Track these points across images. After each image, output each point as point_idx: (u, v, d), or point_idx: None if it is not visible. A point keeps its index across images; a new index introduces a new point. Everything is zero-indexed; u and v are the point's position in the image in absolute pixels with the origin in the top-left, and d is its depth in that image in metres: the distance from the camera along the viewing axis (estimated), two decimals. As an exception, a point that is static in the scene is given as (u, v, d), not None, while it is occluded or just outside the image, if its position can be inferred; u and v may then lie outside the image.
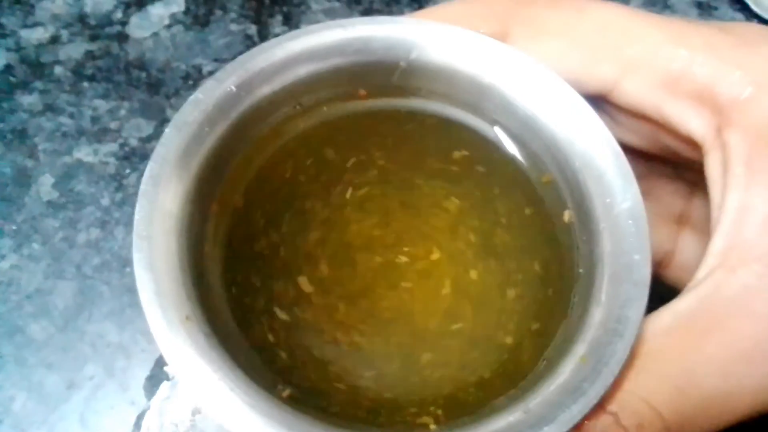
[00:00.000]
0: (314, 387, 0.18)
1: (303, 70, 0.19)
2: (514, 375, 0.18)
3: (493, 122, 0.20)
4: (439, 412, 0.17)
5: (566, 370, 0.16)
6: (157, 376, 0.26)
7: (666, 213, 0.23)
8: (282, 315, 0.18)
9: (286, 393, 0.16)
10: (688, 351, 0.16)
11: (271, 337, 0.18)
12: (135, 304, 0.27)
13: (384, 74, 0.20)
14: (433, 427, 0.17)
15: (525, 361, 0.18)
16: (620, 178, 0.17)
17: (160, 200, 0.16)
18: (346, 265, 0.19)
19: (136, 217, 0.16)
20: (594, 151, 0.18)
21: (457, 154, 0.20)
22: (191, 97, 0.18)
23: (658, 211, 0.23)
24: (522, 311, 0.19)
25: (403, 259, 0.20)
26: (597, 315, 0.16)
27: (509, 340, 0.19)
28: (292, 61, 0.19)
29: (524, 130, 0.19)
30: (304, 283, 0.19)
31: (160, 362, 0.26)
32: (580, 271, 0.18)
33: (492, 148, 0.20)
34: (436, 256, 0.19)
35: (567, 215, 0.19)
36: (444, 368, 0.18)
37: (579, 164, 0.18)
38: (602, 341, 0.16)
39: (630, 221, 0.17)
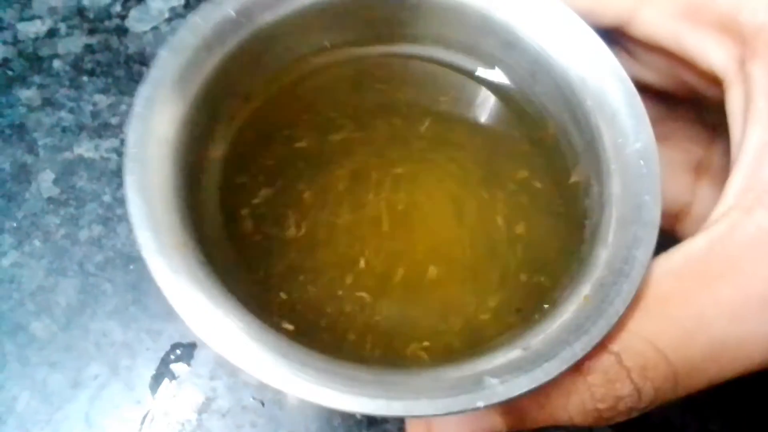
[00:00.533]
0: (312, 322, 0.17)
1: (309, 0, 0.18)
2: (518, 314, 0.17)
3: (500, 65, 0.20)
4: (434, 344, 0.17)
5: (569, 309, 0.16)
6: (162, 374, 0.25)
7: (685, 160, 0.22)
8: (281, 251, 0.18)
9: (282, 325, 0.16)
10: (698, 293, 0.15)
11: (267, 272, 0.18)
12: (139, 301, 0.27)
13: (392, 11, 0.19)
14: (425, 357, 0.17)
15: (530, 300, 0.18)
16: (633, 118, 0.17)
17: (155, 124, 0.16)
18: (343, 203, 0.19)
19: (129, 139, 0.15)
20: (607, 89, 0.17)
21: (457, 105, 0.20)
22: (188, 20, 0.17)
23: (677, 158, 0.21)
24: (529, 251, 0.19)
25: (404, 199, 0.19)
26: (603, 255, 0.16)
27: (517, 278, 0.18)
28: None
29: (535, 69, 0.19)
30: (302, 221, 0.18)
31: (165, 360, 0.26)
32: (590, 213, 0.18)
33: (499, 94, 0.20)
34: (437, 197, 0.19)
35: (575, 173, 0.18)
36: (446, 304, 0.18)
37: (591, 104, 0.17)
38: (607, 281, 0.15)
39: (641, 162, 0.16)
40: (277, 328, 0.16)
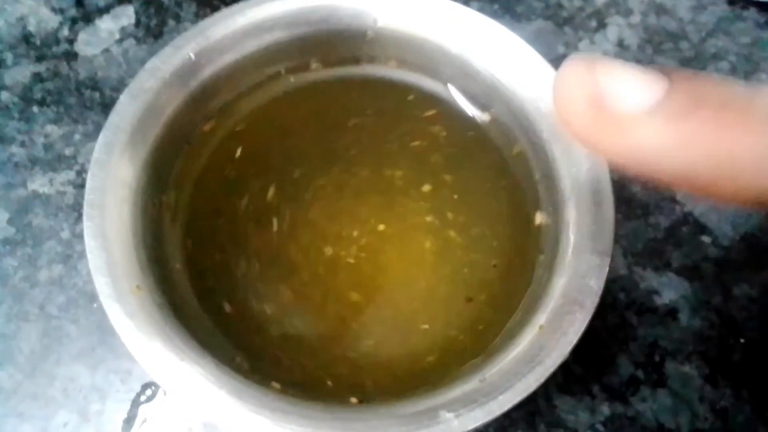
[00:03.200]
0: (269, 358, 0.17)
1: (267, 39, 0.19)
2: (476, 345, 0.18)
3: (460, 89, 0.20)
4: (383, 382, 0.17)
5: (525, 340, 0.16)
6: (134, 417, 0.24)
7: None
8: (238, 286, 0.18)
9: (242, 363, 0.16)
10: None
11: (226, 307, 0.18)
12: (106, 342, 0.26)
13: (350, 43, 0.19)
14: (353, 400, 0.16)
15: (488, 331, 0.18)
16: None
17: (114, 169, 0.16)
18: (305, 234, 0.19)
19: (88, 185, 0.16)
20: None
21: (422, 125, 0.20)
22: (148, 64, 0.17)
23: None
24: (486, 281, 0.19)
25: (358, 232, 0.19)
26: (559, 284, 0.16)
27: (472, 310, 0.18)
28: (255, 29, 0.18)
29: (490, 98, 0.19)
30: (262, 257, 0.18)
31: (136, 402, 0.25)
32: (545, 241, 0.18)
33: (459, 118, 0.20)
34: (394, 224, 0.19)
35: (538, 217, 0.18)
36: (401, 338, 0.18)
37: (547, 135, 0.18)
38: (562, 311, 0.16)
39: (594, 191, 0.17)
40: (231, 366, 0.16)
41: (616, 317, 0.27)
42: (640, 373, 0.26)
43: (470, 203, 0.19)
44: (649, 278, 0.28)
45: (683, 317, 0.27)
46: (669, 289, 0.28)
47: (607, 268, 0.16)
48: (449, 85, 0.20)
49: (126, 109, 0.17)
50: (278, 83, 0.20)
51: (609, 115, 0.11)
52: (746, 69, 0.33)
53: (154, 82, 0.17)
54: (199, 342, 0.15)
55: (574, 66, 0.12)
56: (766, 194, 0.11)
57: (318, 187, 0.19)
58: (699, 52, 0.33)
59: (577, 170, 0.17)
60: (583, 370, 0.26)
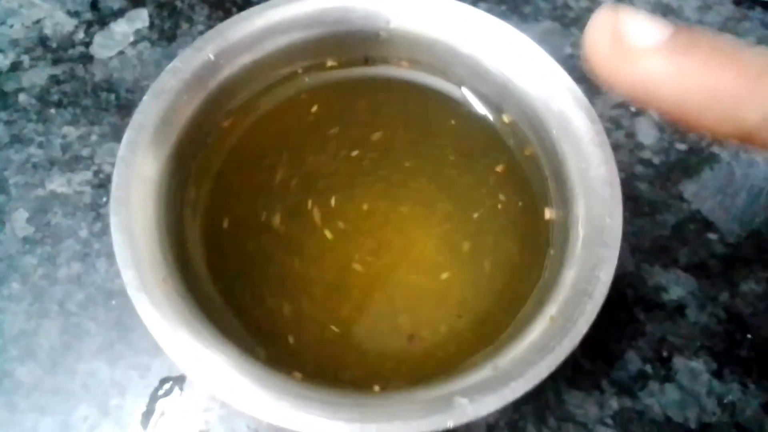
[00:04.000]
0: (289, 349, 0.18)
1: (283, 40, 0.19)
2: (488, 336, 0.18)
3: (472, 91, 0.20)
4: (401, 373, 0.18)
5: (536, 330, 0.17)
6: (153, 410, 0.25)
7: None
8: (259, 279, 0.19)
9: (262, 354, 0.17)
10: None
11: (247, 300, 0.18)
12: (124, 338, 0.26)
13: (363, 43, 0.20)
14: (376, 388, 0.17)
15: (499, 322, 0.18)
16: (596, 144, 0.18)
17: (138, 166, 0.17)
18: (324, 226, 0.19)
19: (114, 182, 0.16)
20: (571, 118, 0.18)
21: (435, 125, 0.20)
22: (169, 66, 0.18)
23: None
24: (497, 275, 0.19)
25: (375, 224, 0.20)
26: (569, 277, 0.17)
27: (483, 302, 0.19)
28: (271, 30, 0.19)
29: (501, 97, 0.20)
30: (281, 249, 0.19)
31: (155, 396, 0.25)
32: (555, 236, 0.18)
33: (472, 119, 0.20)
34: (408, 218, 0.20)
35: (548, 212, 0.19)
36: (417, 329, 0.19)
37: (557, 133, 0.18)
38: (572, 301, 0.16)
39: (604, 186, 0.17)
40: (253, 356, 0.16)
41: (624, 313, 0.28)
42: (648, 368, 0.27)
43: (483, 199, 0.19)
44: (656, 275, 0.28)
45: (691, 313, 0.28)
46: (676, 286, 0.28)
47: (616, 260, 0.16)
48: (462, 87, 0.20)
49: (149, 108, 0.17)
50: (294, 83, 0.20)
51: (625, 48, 0.14)
52: (752, 68, 0.33)
53: (176, 83, 0.18)
54: (221, 332, 0.15)
55: (603, 10, 0.15)
56: (743, 127, 0.13)
57: (334, 181, 0.19)
58: (705, 51, 0.34)
59: (586, 166, 0.17)
60: (592, 365, 0.27)
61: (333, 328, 0.18)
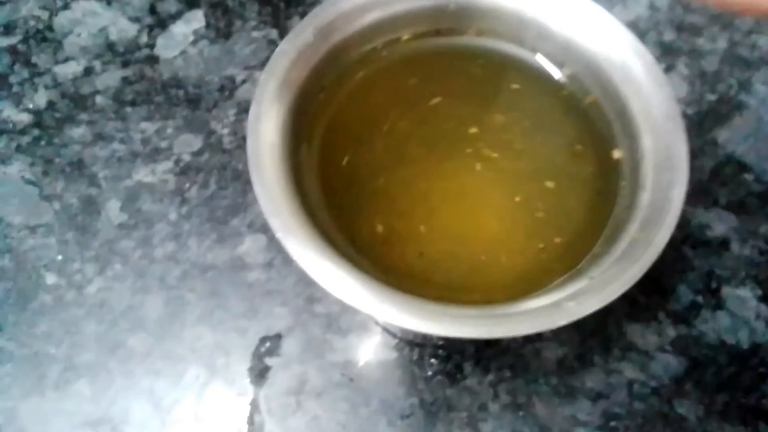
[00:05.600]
0: (408, 278, 0.20)
1: (367, 18, 0.22)
2: (577, 255, 0.20)
3: (536, 50, 0.23)
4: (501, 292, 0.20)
5: (622, 246, 0.19)
6: (256, 366, 0.28)
7: None
8: (375, 224, 0.21)
9: (384, 280, 0.19)
10: None
11: (366, 235, 0.21)
12: (221, 305, 0.29)
13: (434, 16, 0.23)
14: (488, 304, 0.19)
15: (585, 244, 0.21)
16: (655, 86, 0.20)
17: (263, 135, 0.20)
18: (423, 172, 0.22)
19: (249, 148, 0.19)
20: (631, 65, 0.20)
21: (506, 83, 0.23)
22: (278, 49, 0.21)
23: None
24: (580, 207, 0.22)
25: (462, 171, 0.22)
26: (645, 199, 0.19)
27: (573, 227, 0.21)
28: (358, 10, 0.22)
29: (566, 55, 0.22)
30: (388, 190, 0.22)
31: (257, 354, 0.28)
32: (626, 169, 0.21)
33: (538, 75, 0.23)
34: (490, 167, 0.22)
35: (616, 153, 0.21)
36: (519, 250, 0.21)
37: (618, 78, 0.20)
38: (652, 219, 0.19)
39: (667, 120, 0.20)
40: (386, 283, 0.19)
41: (673, 252, 0.30)
42: (699, 299, 0.29)
43: (560, 147, 0.22)
44: (699, 215, 0.31)
45: (734, 246, 0.30)
46: (719, 223, 0.31)
47: (686, 182, 0.18)
48: (526, 48, 0.23)
49: (265, 85, 0.20)
50: (375, 56, 0.23)
51: None
52: (771, 20, 0.36)
53: (284, 62, 0.20)
54: (354, 267, 0.18)
55: None
56: None
57: (420, 137, 0.22)
58: (725, 7, 0.36)
59: (648, 105, 0.20)
60: (648, 299, 0.29)
61: (448, 249, 0.21)
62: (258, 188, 0.18)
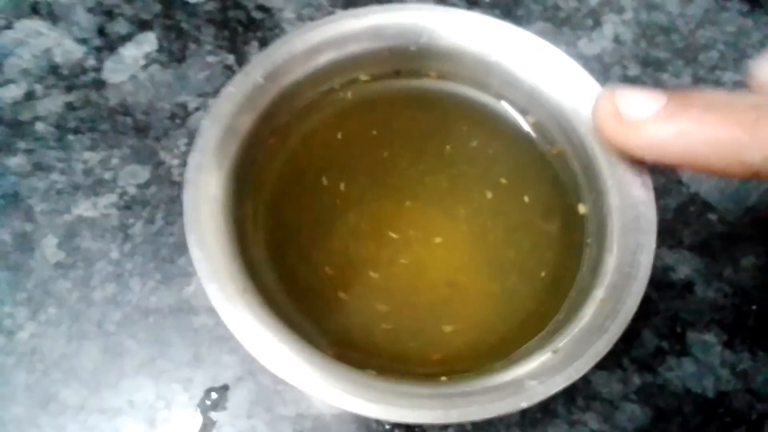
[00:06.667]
0: (359, 346, 0.19)
1: (322, 59, 0.21)
2: (538, 322, 0.19)
3: (500, 97, 0.22)
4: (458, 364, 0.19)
5: (588, 313, 0.18)
6: (201, 421, 0.26)
7: None
8: (322, 282, 0.20)
9: (331, 352, 0.18)
10: None
11: (317, 304, 0.19)
12: (164, 353, 0.27)
13: (394, 57, 0.21)
14: (443, 379, 0.18)
15: (548, 310, 0.19)
16: None
17: (203, 186, 0.18)
18: (377, 231, 0.21)
19: (185, 203, 0.18)
20: None
21: (467, 130, 0.22)
22: (224, 91, 0.19)
23: None
24: (542, 268, 0.20)
25: (415, 231, 0.21)
26: (611, 262, 0.18)
27: (531, 291, 0.20)
28: (311, 51, 0.20)
29: (530, 103, 0.21)
30: (336, 254, 0.20)
31: (202, 407, 0.26)
32: (591, 225, 0.20)
33: (502, 122, 0.22)
34: (453, 219, 0.21)
35: (581, 208, 0.20)
36: (477, 318, 0.20)
37: (584, 130, 0.20)
38: (618, 284, 0.18)
39: (634, 177, 0.19)
40: (327, 354, 0.17)
41: (637, 294, 0.29)
42: (665, 344, 0.28)
43: (520, 198, 0.21)
44: (664, 256, 0.30)
45: (699, 289, 0.29)
46: (683, 265, 0.30)
47: (655, 245, 0.17)
48: (489, 94, 0.22)
49: (209, 132, 0.19)
50: (331, 99, 0.21)
51: (627, 122, 0.17)
52: (734, 56, 0.36)
53: (231, 106, 0.19)
54: (298, 335, 0.17)
55: (603, 93, 0.18)
56: (749, 168, 0.16)
57: (377, 188, 0.21)
58: (690, 43, 0.36)
59: (617, 160, 0.19)
60: (613, 345, 0.28)
61: (401, 322, 0.19)
62: (194, 248, 0.17)
